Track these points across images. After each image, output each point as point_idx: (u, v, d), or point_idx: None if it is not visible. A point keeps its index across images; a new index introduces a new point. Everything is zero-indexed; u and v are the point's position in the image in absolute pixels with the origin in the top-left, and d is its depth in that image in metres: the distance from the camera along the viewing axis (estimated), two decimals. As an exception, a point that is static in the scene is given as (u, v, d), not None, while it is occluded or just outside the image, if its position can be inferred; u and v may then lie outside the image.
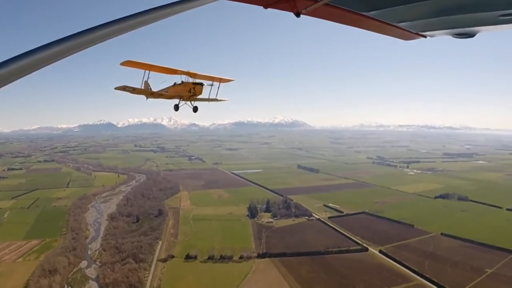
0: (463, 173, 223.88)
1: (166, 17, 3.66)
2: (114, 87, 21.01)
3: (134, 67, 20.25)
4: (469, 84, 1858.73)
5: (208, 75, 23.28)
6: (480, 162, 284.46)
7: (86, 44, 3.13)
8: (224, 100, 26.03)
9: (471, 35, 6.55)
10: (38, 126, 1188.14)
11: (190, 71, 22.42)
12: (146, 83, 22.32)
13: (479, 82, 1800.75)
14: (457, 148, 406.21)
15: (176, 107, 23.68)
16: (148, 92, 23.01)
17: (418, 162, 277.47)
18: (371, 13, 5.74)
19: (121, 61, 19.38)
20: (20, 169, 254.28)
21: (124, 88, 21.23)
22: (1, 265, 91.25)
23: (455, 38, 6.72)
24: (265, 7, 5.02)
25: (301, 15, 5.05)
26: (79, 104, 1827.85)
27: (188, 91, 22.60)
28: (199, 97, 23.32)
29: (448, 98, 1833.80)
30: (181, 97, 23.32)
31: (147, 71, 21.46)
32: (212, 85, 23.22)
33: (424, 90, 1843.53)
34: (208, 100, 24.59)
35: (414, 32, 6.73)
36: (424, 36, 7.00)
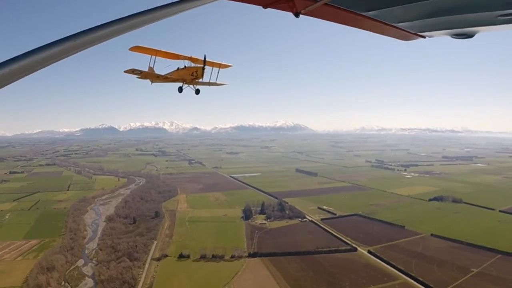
0: (461, 176, 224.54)
1: (166, 17, 3.73)
2: (124, 70, 23.28)
3: (142, 52, 22.39)
4: (470, 87, 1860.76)
5: (209, 60, 25.46)
6: (479, 165, 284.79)
7: (87, 44, 3.18)
8: (223, 84, 27.99)
9: (470, 35, 6.59)
10: (40, 130, 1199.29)
11: (192, 57, 24.69)
12: (151, 68, 24.29)
13: (480, 84, 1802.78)
14: (457, 151, 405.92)
15: (180, 89, 25.99)
16: (154, 75, 25.04)
17: (417, 165, 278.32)
18: (370, 13, 5.81)
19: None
20: (22, 172, 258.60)
21: (132, 71, 23.42)
22: (1, 263, 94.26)
23: (454, 39, 6.77)
24: (264, 7, 5.11)
25: (300, 15, 5.09)
26: (81, 108, 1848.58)
27: (191, 75, 24.86)
28: (200, 80, 25.57)
29: (450, 101, 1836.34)
30: (184, 81, 25.57)
31: (153, 57, 23.43)
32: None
33: (426, 94, 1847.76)
34: (209, 84, 26.71)
35: (413, 32, 6.77)
36: (423, 37, 7.03)
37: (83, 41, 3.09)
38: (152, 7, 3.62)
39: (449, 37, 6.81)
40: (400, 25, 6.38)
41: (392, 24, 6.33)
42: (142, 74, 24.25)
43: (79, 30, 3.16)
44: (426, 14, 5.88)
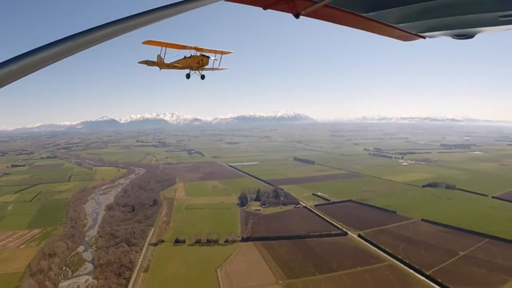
0: (457, 163, 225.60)
1: (167, 18, 3.69)
2: (138, 61, 26.77)
3: (153, 45, 25.22)
4: (472, 77, 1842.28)
5: (212, 49, 28.39)
6: (476, 152, 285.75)
7: (87, 44, 3.18)
8: (225, 68, 30.97)
9: (470, 36, 6.54)
10: (41, 124, 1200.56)
11: (198, 46, 27.39)
12: (159, 57, 27.24)
13: (481, 75, 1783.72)
14: (456, 139, 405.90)
15: (188, 76, 28.86)
16: (164, 64, 27.93)
17: (414, 153, 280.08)
18: (370, 14, 5.78)
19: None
20: (24, 165, 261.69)
21: (146, 62, 26.85)
22: (5, 251, 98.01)
23: (454, 39, 6.72)
24: (265, 8, 5.12)
25: (300, 16, 5.11)
26: (82, 101, 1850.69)
27: (197, 62, 27.68)
28: (204, 67, 28.48)
29: (451, 91, 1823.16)
30: (191, 68, 28.39)
31: (163, 48, 26.24)
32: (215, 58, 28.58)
33: (426, 83, 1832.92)
34: (213, 69, 29.53)
35: (413, 33, 6.74)
36: (423, 37, 6.99)
37: (83, 41, 3.12)
38: (152, 7, 3.64)
39: (449, 38, 6.82)
40: (400, 26, 6.36)
41: (392, 25, 6.31)
42: (154, 64, 27.46)
43: (79, 31, 3.19)
44: (426, 15, 5.84)
